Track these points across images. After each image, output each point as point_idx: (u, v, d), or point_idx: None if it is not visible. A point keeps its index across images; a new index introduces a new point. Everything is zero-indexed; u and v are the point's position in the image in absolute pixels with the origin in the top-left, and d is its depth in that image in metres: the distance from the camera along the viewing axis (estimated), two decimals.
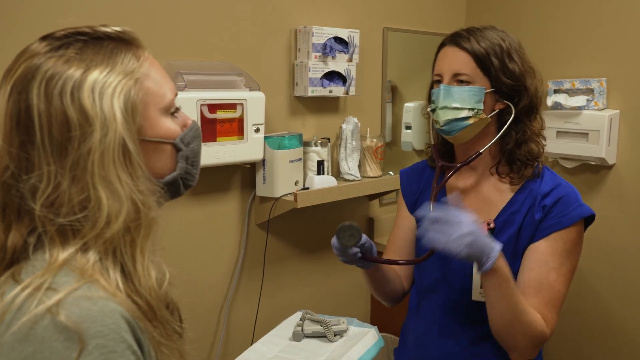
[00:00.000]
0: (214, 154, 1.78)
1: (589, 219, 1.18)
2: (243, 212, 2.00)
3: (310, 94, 2.04)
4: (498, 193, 1.20)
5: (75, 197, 0.62)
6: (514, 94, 1.15)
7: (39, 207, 0.62)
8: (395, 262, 1.27)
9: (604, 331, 2.38)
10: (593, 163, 2.31)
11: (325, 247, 2.28)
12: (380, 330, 2.52)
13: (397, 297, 1.42)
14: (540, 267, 1.13)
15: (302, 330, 1.84)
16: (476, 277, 1.17)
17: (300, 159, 2.01)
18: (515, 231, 1.16)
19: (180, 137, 0.73)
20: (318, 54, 2.04)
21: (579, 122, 2.28)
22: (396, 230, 1.39)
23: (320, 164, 2.09)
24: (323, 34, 2.05)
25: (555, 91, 2.34)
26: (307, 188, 1.99)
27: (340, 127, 2.21)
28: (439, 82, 1.16)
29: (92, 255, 0.63)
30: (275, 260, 2.11)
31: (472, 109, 1.12)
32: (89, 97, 0.63)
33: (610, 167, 2.30)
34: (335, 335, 1.84)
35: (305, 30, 2.04)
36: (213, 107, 1.76)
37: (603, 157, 2.23)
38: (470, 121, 1.13)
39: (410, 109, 2.71)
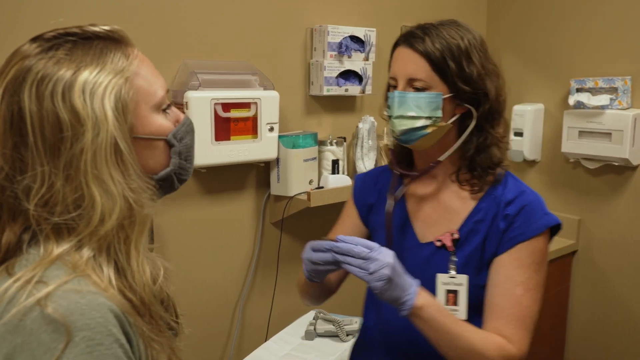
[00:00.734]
0: (228, 152, 1.79)
1: (555, 229, 1.10)
2: (258, 210, 2.02)
3: (325, 93, 2.04)
4: (460, 201, 1.12)
5: (69, 196, 0.64)
6: (473, 99, 1.07)
7: (33, 206, 0.63)
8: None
9: (629, 334, 2.32)
10: (616, 164, 2.25)
11: None
12: None
13: (325, 298, 1.31)
14: (506, 283, 1.04)
15: (314, 329, 1.85)
16: (440, 291, 1.08)
17: (314, 158, 2.01)
18: (481, 241, 1.08)
19: (173, 133, 0.74)
20: (334, 53, 2.04)
21: (602, 121, 2.22)
22: (338, 229, 1.29)
23: (335, 163, 2.08)
24: (339, 33, 2.05)
25: (578, 90, 2.29)
26: (322, 187, 1.99)
27: (357, 126, 2.20)
28: (395, 87, 1.09)
29: (85, 252, 0.65)
30: (290, 258, 2.11)
31: (430, 117, 1.05)
32: (80, 97, 0.64)
33: (634, 168, 2.24)
34: (347, 335, 1.84)
35: (321, 29, 2.04)
36: (227, 106, 1.77)
37: (627, 158, 2.18)
38: (428, 130, 1.06)
39: None
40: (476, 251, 1.08)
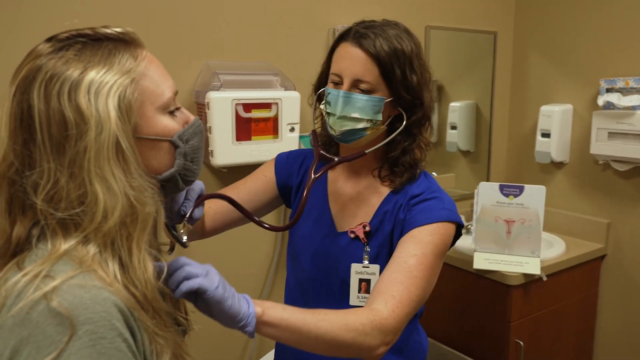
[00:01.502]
0: (249, 152, 1.81)
1: (458, 231, 1.12)
2: (279, 209, 2.03)
3: None
4: (377, 195, 1.16)
5: (73, 193, 0.66)
6: (409, 105, 1.09)
7: (40, 201, 0.66)
8: (260, 223, 1.02)
9: None
10: None
11: None
12: None
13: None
14: (401, 252, 1.04)
15: None
16: (354, 280, 1.12)
17: None
18: (389, 230, 1.12)
19: (179, 135, 0.75)
20: None
21: (633, 122, 2.16)
22: (249, 181, 1.26)
23: None
24: None
25: (608, 90, 2.23)
26: None
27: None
28: (338, 83, 1.08)
29: (92, 248, 0.67)
30: None
31: (371, 120, 1.06)
32: (85, 97, 0.66)
33: None
34: None
35: (343, 29, 2.03)
36: (248, 107, 1.79)
37: None
38: (368, 132, 1.08)
39: (456, 108, 2.66)
40: (386, 241, 1.12)
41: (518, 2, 2.65)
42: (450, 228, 1.10)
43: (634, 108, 2.15)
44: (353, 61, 1.05)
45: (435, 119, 2.60)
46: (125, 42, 0.73)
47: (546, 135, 2.45)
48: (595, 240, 2.40)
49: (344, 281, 1.14)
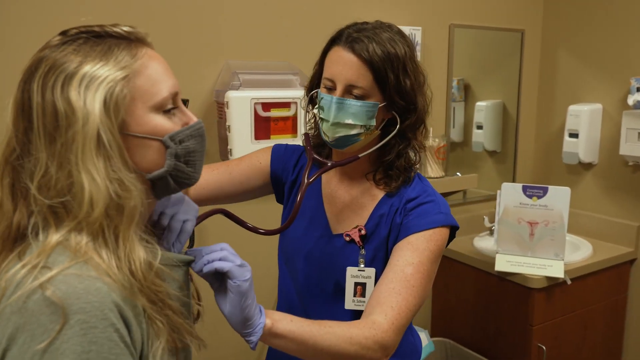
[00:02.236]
0: None
1: (453, 232, 1.12)
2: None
3: None
4: (371, 198, 1.15)
5: (61, 182, 0.68)
6: (404, 111, 1.07)
7: (34, 189, 0.68)
8: (255, 230, 1.04)
9: None
10: None
11: None
12: (439, 335, 2.48)
13: None
14: (398, 261, 1.05)
15: None
16: (349, 284, 1.11)
17: None
18: (386, 235, 1.11)
19: (170, 135, 0.75)
20: None
21: None
22: (243, 165, 1.24)
23: None
24: None
25: (638, 89, 2.16)
26: None
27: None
28: (330, 89, 1.06)
29: (84, 237, 0.69)
30: None
31: (365, 126, 1.05)
32: (76, 89, 0.68)
33: None
34: None
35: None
36: (267, 106, 1.81)
37: None
38: (361, 137, 1.07)
39: (483, 108, 2.62)
40: (382, 245, 1.11)
41: (546, 0, 2.60)
42: (445, 232, 1.09)
43: None
44: (346, 66, 1.03)
45: (461, 118, 2.57)
46: (128, 40, 0.74)
47: (574, 135, 2.40)
48: (624, 243, 2.33)
49: (338, 283, 1.14)
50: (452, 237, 1.13)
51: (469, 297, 2.33)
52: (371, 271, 1.10)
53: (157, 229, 0.84)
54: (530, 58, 2.65)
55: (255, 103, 1.79)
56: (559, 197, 2.01)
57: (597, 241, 2.39)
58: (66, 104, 0.67)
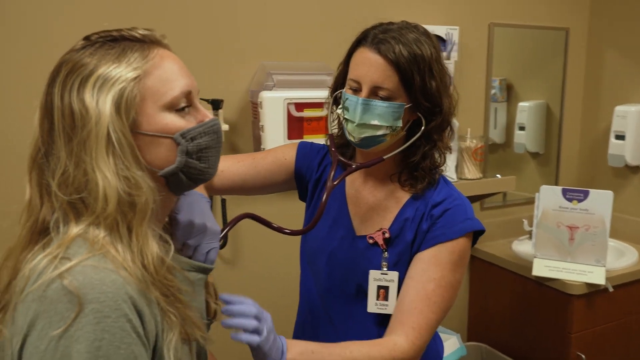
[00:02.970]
0: None
1: (478, 233, 1.11)
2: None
3: None
4: (394, 200, 1.14)
5: (78, 179, 0.71)
6: (429, 112, 1.06)
7: (55, 186, 0.72)
8: (280, 230, 1.09)
9: None
10: None
11: None
12: (475, 339, 2.44)
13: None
14: (421, 276, 1.06)
15: None
16: (372, 287, 1.11)
17: None
18: (411, 239, 1.10)
19: (182, 133, 0.76)
20: None
21: None
22: (269, 159, 1.25)
23: None
24: None
25: None
26: None
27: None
28: (356, 90, 1.06)
29: (101, 231, 0.72)
30: None
31: (391, 127, 1.05)
32: (90, 91, 0.71)
33: None
34: None
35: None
36: (300, 106, 1.82)
37: None
38: (387, 138, 1.06)
39: (525, 108, 2.56)
40: (406, 249, 1.10)
41: None
42: (470, 238, 1.09)
43: None
44: (372, 68, 1.03)
45: (503, 119, 2.52)
46: (142, 42, 0.77)
47: (620, 137, 2.31)
48: None
49: (360, 285, 1.13)
50: (477, 236, 1.12)
51: (506, 301, 2.28)
52: (394, 275, 1.10)
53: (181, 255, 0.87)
54: (575, 57, 2.57)
55: (289, 103, 1.81)
56: (600, 201, 1.94)
57: None
58: (81, 105, 0.71)
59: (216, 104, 1.77)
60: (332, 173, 1.11)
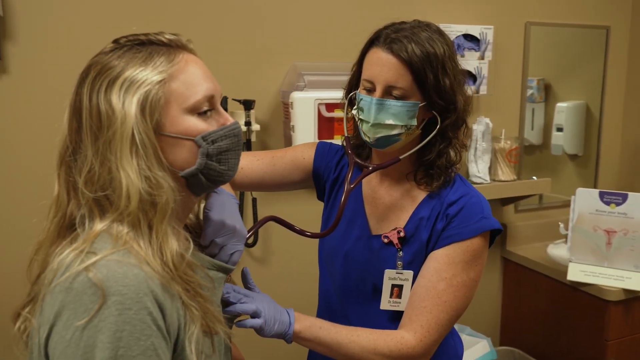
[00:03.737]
0: None
1: (495, 232, 1.10)
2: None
3: None
4: (410, 199, 1.14)
5: (103, 177, 0.74)
6: (444, 110, 1.05)
7: (81, 183, 0.75)
8: (302, 232, 1.10)
9: None
10: None
11: None
12: (508, 344, 2.39)
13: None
14: (432, 275, 1.06)
15: None
16: (386, 285, 1.11)
17: None
18: (426, 238, 1.10)
19: (203, 135, 0.79)
20: None
21: None
22: (287, 157, 1.27)
23: None
24: (451, 31, 2.00)
25: None
26: None
27: (471, 128, 2.14)
28: (370, 90, 1.06)
29: (125, 227, 0.75)
30: None
31: (405, 126, 1.05)
32: (117, 93, 0.74)
33: None
34: None
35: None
36: (330, 106, 1.83)
37: None
38: (402, 137, 1.06)
39: (563, 109, 2.50)
40: (421, 249, 1.10)
41: None
42: (485, 236, 1.08)
43: None
44: (385, 67, 1.03)
45: (540, 119, 2.47)
46: (168, 47, 0.79)
47: None
48: None
49: (376, 285, 1.14)
50: (494, 235, 1.12)
51: (540, 306, 2.23)
52: (409, 274, 1.10)
53: (206, 254, 0.91)
54: (616, 56, 2.49)
55: (319, 104, 1.82)
56: None
57: None
58: (108, 106, 0.74)
59: (248, 105, 1.80)
60: (349, 175, 1.12)
